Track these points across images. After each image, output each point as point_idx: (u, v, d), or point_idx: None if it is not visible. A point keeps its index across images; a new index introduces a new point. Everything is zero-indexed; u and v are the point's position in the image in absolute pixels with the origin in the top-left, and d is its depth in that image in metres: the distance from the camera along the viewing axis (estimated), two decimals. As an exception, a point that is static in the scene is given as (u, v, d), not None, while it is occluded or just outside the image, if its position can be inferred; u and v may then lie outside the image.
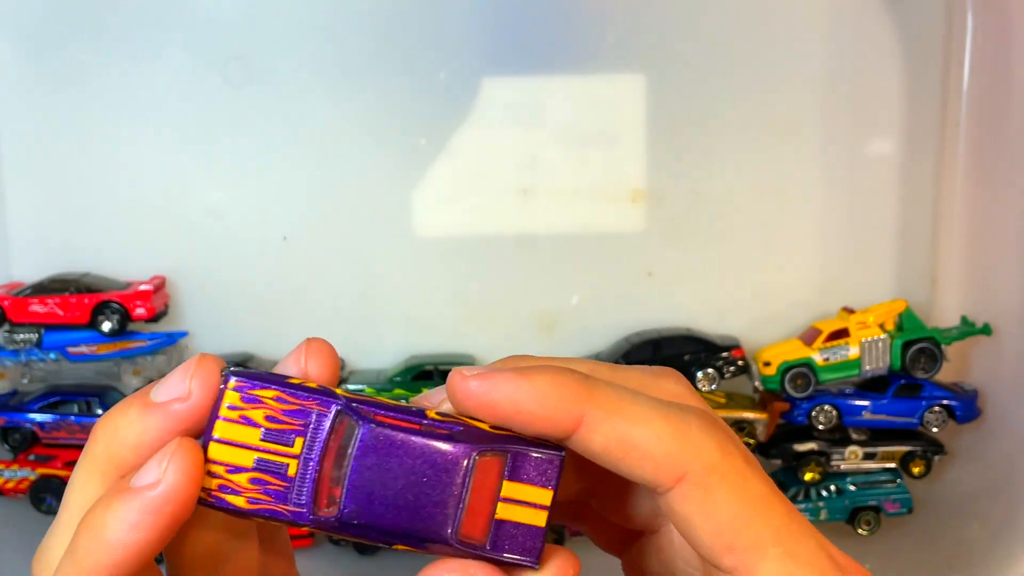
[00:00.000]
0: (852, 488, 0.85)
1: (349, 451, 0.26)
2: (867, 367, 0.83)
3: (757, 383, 0.85)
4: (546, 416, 0.27)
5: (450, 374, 0.28)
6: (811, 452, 0.85)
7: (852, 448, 0.85)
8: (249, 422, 0.26)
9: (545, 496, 0.28)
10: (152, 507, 0.25)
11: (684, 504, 0.28)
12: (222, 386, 0.26)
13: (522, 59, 0.85)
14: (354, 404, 0.26)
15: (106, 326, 0.82)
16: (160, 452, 0.26)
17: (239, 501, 0.26)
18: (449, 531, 0.27)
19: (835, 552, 0.29)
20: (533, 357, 0.30)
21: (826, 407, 0.84)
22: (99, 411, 0.83)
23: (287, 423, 0.26)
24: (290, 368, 0.28)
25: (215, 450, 0.26)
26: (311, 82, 0.84)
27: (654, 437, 0.28)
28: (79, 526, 0.26)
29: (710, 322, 0.87)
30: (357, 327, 0.88)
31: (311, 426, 0.26)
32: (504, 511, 0.27)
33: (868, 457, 0.85)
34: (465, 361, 0.85)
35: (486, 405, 0.28)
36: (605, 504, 0.34)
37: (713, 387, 0.84)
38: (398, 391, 0.83)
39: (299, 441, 0.26)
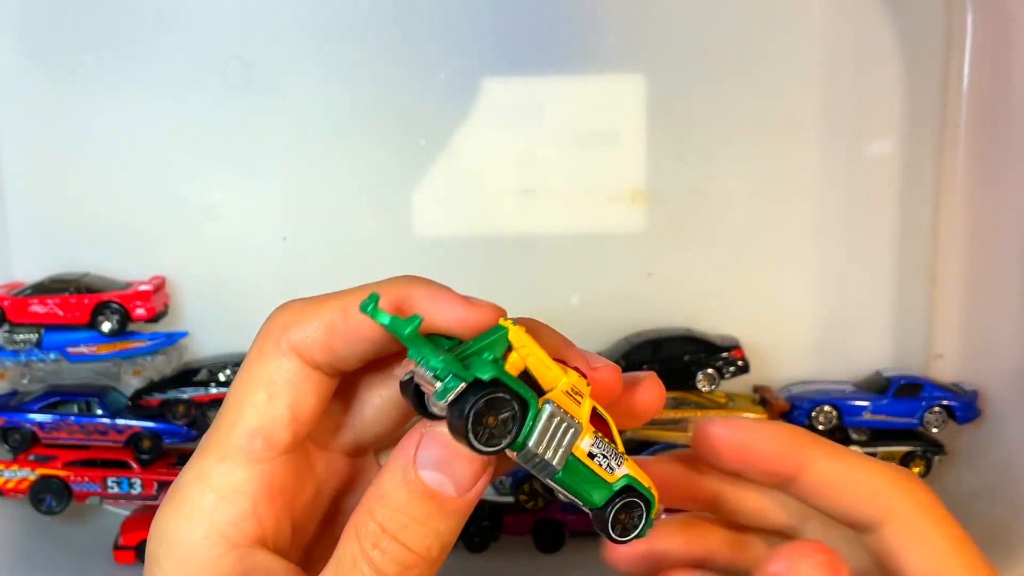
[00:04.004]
0: (852, 488, 0.85)
1: None
2: None
3: None
4: (780, 455, 0.33)
5: (696, 424, 0.34)
6: (811, 452, 0.85)
7: (852, 448, 0.85)
8: None
9: None
10: None
11: (896, 537, 0.32)
12: None
13: (522, 59, 0.85)
14: None
15: (106, 326, 0.82)
16: None
17: None
18: None
19: None
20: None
21: (826, 408, 0.84)
22: (99, 411, 0.83)
23: None
24: None
25: None
26: (311, 82, 0.84)
27: (873, 478, 0.33)
28: None
29: (710, 322, 0.87)
30: (357, 327, 0.88)
31: None
32: None
33: (868, 457, 0.85)
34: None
35: (731, 447, 0.33)
36: None
37: (713, 387, 0.84)
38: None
39: None
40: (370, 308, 0.29)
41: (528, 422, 0.29)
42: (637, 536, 0.32)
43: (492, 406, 0.28)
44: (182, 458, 0.87)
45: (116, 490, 0.83)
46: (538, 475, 0.30)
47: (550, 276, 0.88)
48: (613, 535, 0.31)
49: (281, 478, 0.31)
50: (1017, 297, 0.79)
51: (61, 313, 0.82)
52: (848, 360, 0.89)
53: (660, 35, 0.84)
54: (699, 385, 0.84)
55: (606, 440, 0.30)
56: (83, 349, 0.83)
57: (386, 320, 0.28)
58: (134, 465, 0.84)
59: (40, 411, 0.82)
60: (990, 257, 0.83)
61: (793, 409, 0.84)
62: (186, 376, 0.84)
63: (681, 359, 0.84)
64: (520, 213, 0.86)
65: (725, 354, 0.84)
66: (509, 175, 0.86)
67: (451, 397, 0.28)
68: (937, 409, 0.84)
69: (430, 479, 0.29)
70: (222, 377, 0.83)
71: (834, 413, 0.84)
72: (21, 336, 0.83)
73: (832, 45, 0.85)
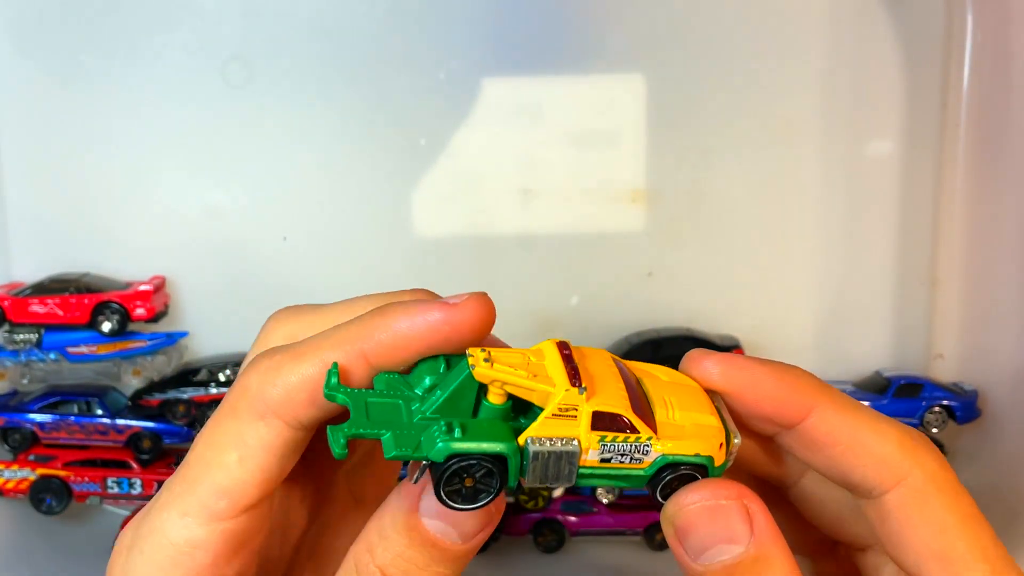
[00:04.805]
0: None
1: None
2: None
3: None
4: (780, 399, 0.29)
5: (688, 355, 0.31)
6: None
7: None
8: None
9: None
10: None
11: (901, 506, 0.29)
12: None
13: (522, 59, 0.85)
14: None
15: (106, 326, 0.82)
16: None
17: None
18: None
19: None
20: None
21: (826, 407, 0.84)
22: (99, 411, 0.83)
23: None
24: None
25: None
26: (311, 82, 0.84)
27: (881, 440, 0.29)
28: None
29: (710, 322, 0.87)
30: (357, 327, 0.88)
31: None
32: None
33: (868, 457, 0.85)
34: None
35: (727, 380, 0.30)
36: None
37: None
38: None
39: None
40: (328, 393, 0.28)
41: (512, 468, 0.28)
42: None
43: (463, 472, 0.27)
44: (182, 458, 0.87)
45: (116, 490, 0.83)
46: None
47: (550, 276, 0.88)
48: (663, 502, 0.29)
49: (245, 533, 0.30)
50: (1017, 297, 0.79)
51: (61, 313, 0.82)
52: (848, 360, 0.89)
53: (660, 35, 0.84)
54: (699, 385, 0.83)
55: (621, 437, 0.28)
56: (83, 349, 0.83)
57: (344, 397, 0.28)
58: (134, 465, 0.84)
59: (40, 411, 0.82)
60: (990, 257, 0.83)
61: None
62: (186, 376, 0.84)
63: (681, 359, 0.84)
64: (520, 213, 0.86)
65: (725, 354, 0.84)
66: (509, 175, 0.86)
67: (420, 479, 0.28)
68: (937, 409, 0.84)
69: (433, 527, 0.28)
70: (222, 377, 0.83)
71: (834, 413, 0.84)
72: (21, 336, 0.83)
73: (832, 45, 0.85)
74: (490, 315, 0.30)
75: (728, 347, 0.84)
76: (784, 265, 0.89)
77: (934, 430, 0.84)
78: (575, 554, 0.84)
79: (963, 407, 0.83)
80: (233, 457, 0.30)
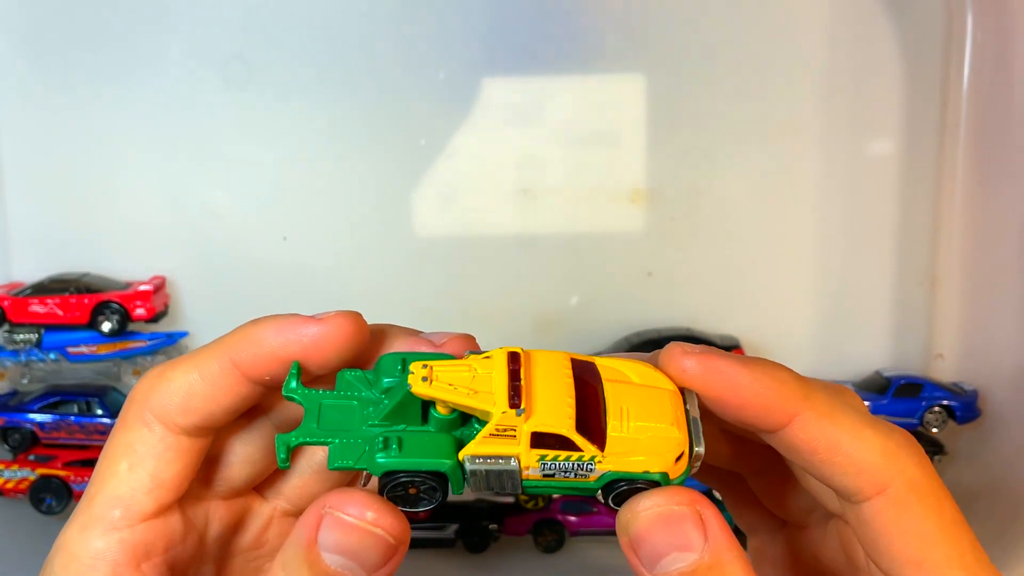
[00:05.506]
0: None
1: None
2: None
3: None
4: (760, 406, 0.29)
5: (667, 348, 0.30)
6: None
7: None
8: None
9: None
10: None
11: (880, 515, 0.29)
12: None
13: (522, 59, 0.85)
14: None
15: (106, 326, 0.82)
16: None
17: None
18: None
19: None
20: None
21: (826, 407, 0.84)
22: (99, 411, 0.83)
23: None
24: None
25: None
26: (311, 82, 0.84)
27: (863, 447, 0.29)
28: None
29: (710, 322, 0.87)
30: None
31: None
32: None
33: (868, 457, 0.85)
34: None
35: (704, 383, 0.29)
36: (763, 489, 0.35)
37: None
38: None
39: None
40: (286, 394, 0.29)
41: (454, 481, 0.28)
42: None
43: (408, 483, 0.28)
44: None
45: (116, 490, 0.83)
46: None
47: (550, 276, 0.88)
48: (617, 509, 0.29)
49: (146, 544, 0.30)
50: (1017, 297, 0.79)
51: (61, 313, 0.82)
52: (848, 360, 0.89)
53: (660, 35, 0.84)
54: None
55: (563, 456, 0.28)
56: (83, 349, 0.83)
57: (300, 399, 0.29)
58: (134, 465, 0.84)
59: (40, 411, 0.82)
60: (990, 257, 0.83)
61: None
62: (186, 376, 0.83)
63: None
64: (520, 213, 0.86)
65: (725, 354, 0.84)
66: (509, 175, 0.86)
67: (367, 484, 0.29)
68: (937, 409, 0.84)
69: (335, 563, 0.27)
70: (222, 377, 0.83)
71: (834, 413, 0.84)
72: (21, 336, 0.83)
73: (832, 45, 0.85)
74: (358, 332, 0.30)
75: (728, 347, 0.84)
76: (784, 265, 0.89)
77: (934, 430, 0.84)
78: (575, 554, 0.84)
79: (963, 407, 0.83)
80: (124, 466, 0.30)
